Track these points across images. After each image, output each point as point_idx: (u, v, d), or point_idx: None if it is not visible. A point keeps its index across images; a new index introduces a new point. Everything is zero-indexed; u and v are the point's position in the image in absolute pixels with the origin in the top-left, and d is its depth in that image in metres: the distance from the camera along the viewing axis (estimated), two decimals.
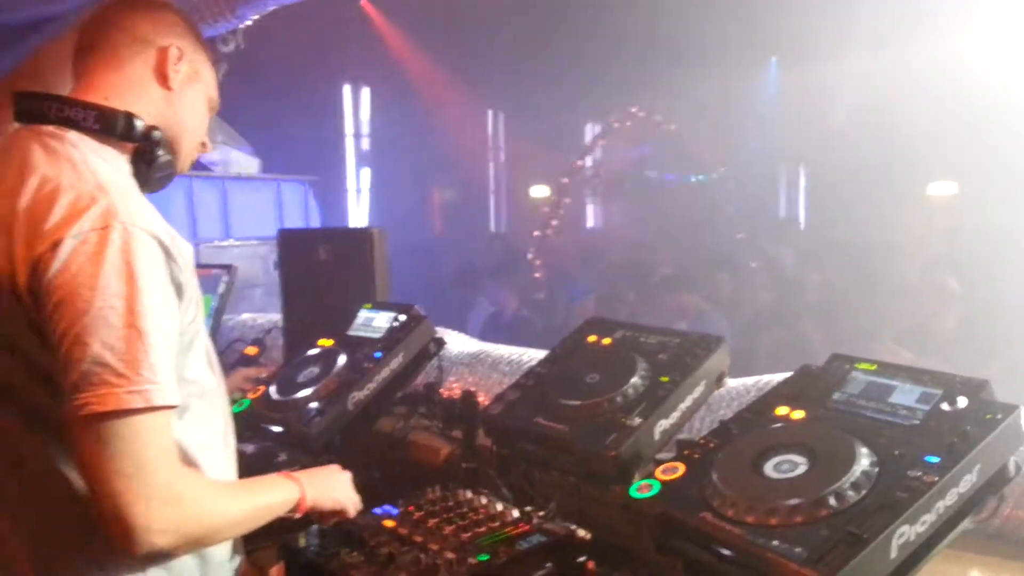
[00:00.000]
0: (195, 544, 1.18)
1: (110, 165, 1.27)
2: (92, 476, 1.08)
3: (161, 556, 1.13)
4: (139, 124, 1.30)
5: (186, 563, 1.27)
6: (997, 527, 1.45)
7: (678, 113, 8.76)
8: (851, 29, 6.51)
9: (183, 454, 1.21)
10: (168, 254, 1.18)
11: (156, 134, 1.33)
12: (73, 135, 1.26)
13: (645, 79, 8.16)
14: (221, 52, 4.40)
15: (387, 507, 1.69)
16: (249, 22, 3.04)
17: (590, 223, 9.20)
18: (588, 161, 9.02)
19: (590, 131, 9.39)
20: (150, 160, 1.33)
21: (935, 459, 1.14)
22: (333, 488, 1.47)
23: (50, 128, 1.26)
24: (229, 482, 1.34)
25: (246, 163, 5.33)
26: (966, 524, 1.18)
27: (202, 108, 1.44)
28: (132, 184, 1.30)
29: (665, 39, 7.21)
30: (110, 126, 1.28)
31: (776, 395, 1.43)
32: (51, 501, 1.19)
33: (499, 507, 1.65)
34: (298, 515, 1.35)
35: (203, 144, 1.49)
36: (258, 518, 1.27)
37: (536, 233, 8.07)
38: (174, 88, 1.36)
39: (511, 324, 4.90)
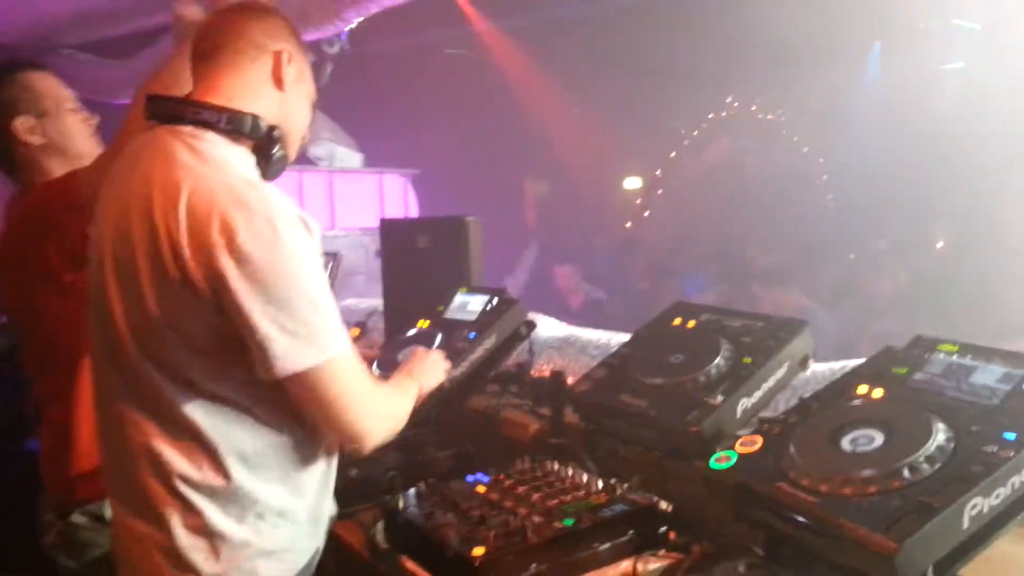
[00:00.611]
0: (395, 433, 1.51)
1: (242, 161, 1.42)
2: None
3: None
4: (263, 124, 1.44)
5: (298, 516, 1.43)
6: None
7: (777, 102, 8.59)
8: (958, 13, 6.26)
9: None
10: (311, 234, 1.35)
11: (276, 132, 1.46)
12: (210, 135, 1.40)
13: (742, 69, 8.02)
14: (327, 54, 4.63)
15: (479, 475, 1.80)
16: (353, 24, 3.20)
17: (683, 214, 9.11)
18: (683, 152, 8.95)
19: (686, 122, 9.30)
20: (268, 155, 1.46)
21: (1012, 436, 1.16)
22: (432, 372, 1.79)
23: (188, 128, 1.40)
24: (393, 387, 1.63)
25: (350, 158, 5.58)
26: None
27: (307, 104, 1.58)
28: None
29: (763, 27, 7.09)
30: (239, 126, 1.42)
31: (857, 375, 1.46)
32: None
33: (584, 478, 1.73)
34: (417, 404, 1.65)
35: (303, 136, 1.63)
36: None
37: (628, 224, 8.07)
38: (286, 89, 1.50)
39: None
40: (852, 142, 7.91)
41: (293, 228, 1.30)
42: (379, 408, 1.46)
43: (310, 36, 3.72)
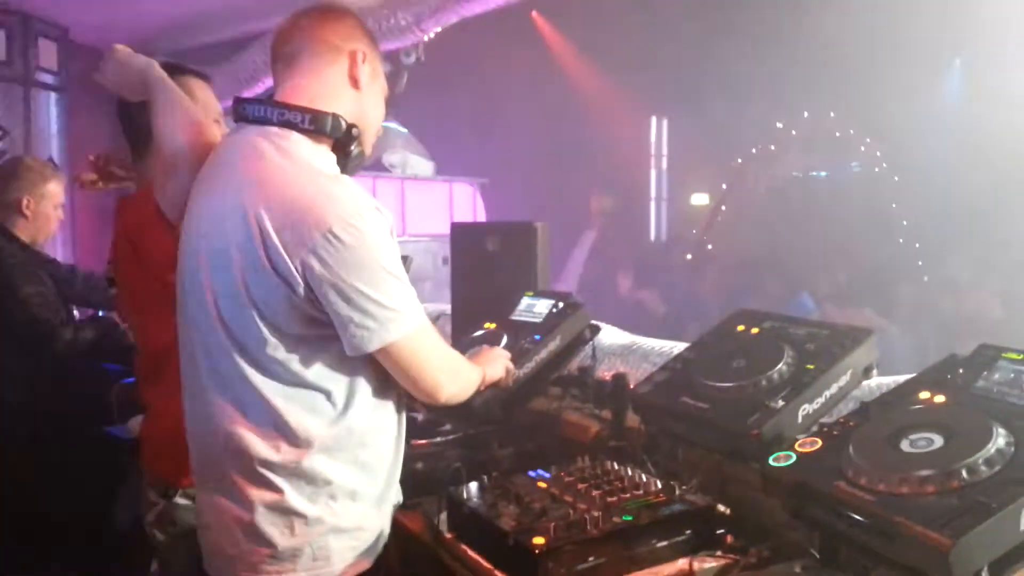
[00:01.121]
0: (463, 396, 1.66)
1: (324, 159, 1.51)
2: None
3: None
4: (342, 123, 1.52)
5: (367, 497, 1.52)
6: None
7: (852, 119, 8.45)
8: None
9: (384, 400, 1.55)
10: (388, 221, 1.45)
11: (355, 131, 1.54)
12: (295, 136, 1.49)
13: (817, 83, 7.93)
14: (403, 64, 4.77)
15: (540, 471, 1.85)
16: (432, 35, 3.30)
17: (751, 230, 9.01)
18: (752, 167, 8.87)
19: (756, 137, 9.21)
20: (348, 152, 1.55)
21: None
22: (494, 363, 1.87)
23: (275, 129, 1.50)
24: (466, 361, 1.72)
25: (422, 166, 5.73)
26: None
27: (381, 100, 1.66)
28: None
29: (840, 41, 7.01)
30: (321, 126, 1.50)
31: (920, 381, 1.47)
32: None
33: (644, 478, 1.77)
34: (481, 388, 1.77)
35: (378, 131, 1.70)
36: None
37: (693, 238, 8.04)
38: (362, 88, 1.58)
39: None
40: (928, 161, 7.73)
41: (374, 215, 1.40)
42: (451, 366, 1.59)
43: (389, 45, 3.84)
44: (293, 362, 1.44)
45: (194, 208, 1.58)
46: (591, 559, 1.52)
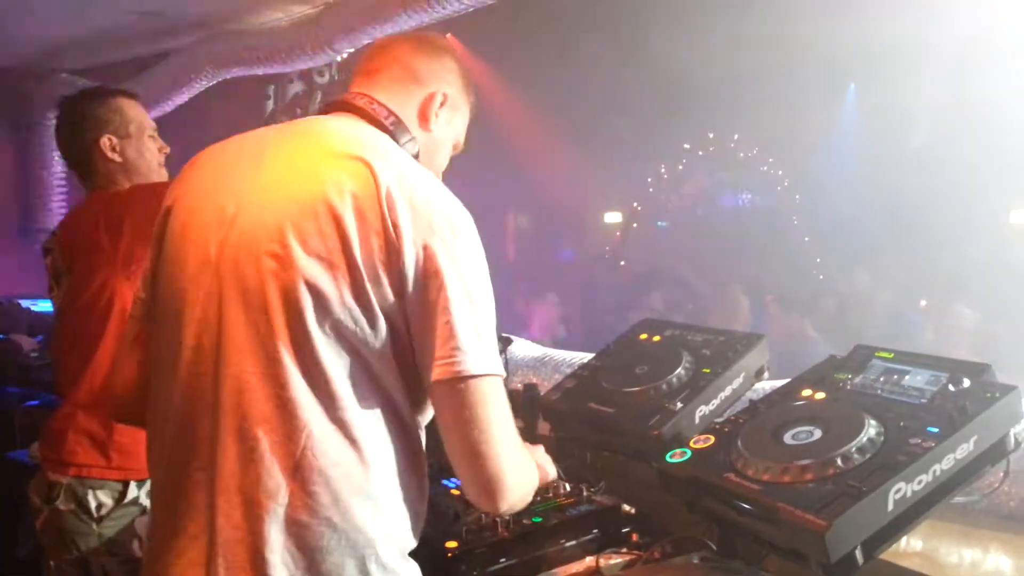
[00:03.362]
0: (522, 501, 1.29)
1: None
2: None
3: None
4: (416, 147, 1.36)
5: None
6: (1012, 509, 1.56)
7: (755, 141, 8.84)
8: (930, 55, 6.52)
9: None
10: None
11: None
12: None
13: (721, 106, 8.28)
14: (316, 83, 4.80)
15: (454, 480, 1.89)
16: (345, 55, 3.34)
17: (659, 246, 9.31)
18: (661, 187, 9.17)
19: (667, 157, 9.53)
20: None
21: (935, 429, 1.28)
22: (550, 466, 1.57)
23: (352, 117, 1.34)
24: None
25: None
26: (974, 496, 1.32)
27: (447, 150, 1.51)
28: None
29: (742, 66, 7.34)
30: (398, 133, 1.34)
31: (802, 380, 1.59)
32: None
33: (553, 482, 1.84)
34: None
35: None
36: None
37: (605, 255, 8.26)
38: (432, 130, 1.42)
39: None
40: (827, 180, 8.14)
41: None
42: (518, 452, 1.24)
43: (302, 65, 3.86)
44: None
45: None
46: (503, 560, 1.58)
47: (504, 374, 1.22)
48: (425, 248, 1.16)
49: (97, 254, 1.99)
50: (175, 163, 1.85)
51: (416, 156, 1.35)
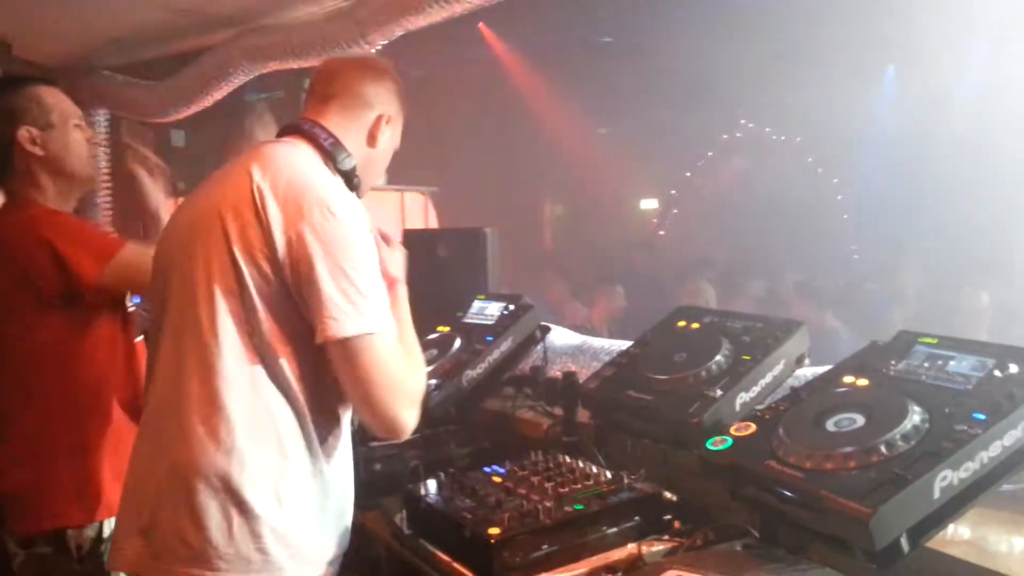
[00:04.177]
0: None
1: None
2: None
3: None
4: (352, 164, 1.63)
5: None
6: None
7: (791, 125, 8.72)
8: (971, 35, 6.38)
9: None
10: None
11: (356, 180, 1.64)
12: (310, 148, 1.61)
13: (758, 92, 8.18)
14: None
15: (495, 467, 1.92)
16: (379, 47, 3.35)
17: (699, 233, 9.24)
18: (698, 172, 9.10)
19: (701, 143, 9.44)
20: None
21: (982, 416, 1.27)
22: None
23: (294, 139, 1.63)
24: (411, 346, 1.59)
25: None
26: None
27: (388, 158, 1.77)
28: None
29: (777, 50, 7.24)
30: (337, 154, 1.61)
31: (844, 367, 1.57)
32: None
33: (594, 470, 1.84)
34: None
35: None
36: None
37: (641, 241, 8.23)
38: (377, 147, 1.69)
39: None
40: (865, 165, 8.01)
41: (363, 213, 1.50)
42: (402, 392, 1.48)
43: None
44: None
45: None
46: (544, 547, 1.59)
47: (388, 330, 1.44)
48: (297, 233, 1.41)
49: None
50: (212, 158, 1.87)
51: (354, 170, 1.62)
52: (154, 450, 1.50)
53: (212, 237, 1.47)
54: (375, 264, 1.47)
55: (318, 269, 1.39)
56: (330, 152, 1.59)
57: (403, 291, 1.72)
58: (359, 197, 1.65)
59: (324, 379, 1.48)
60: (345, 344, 1.40)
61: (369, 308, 1.42)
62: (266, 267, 1.42)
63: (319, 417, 1.49)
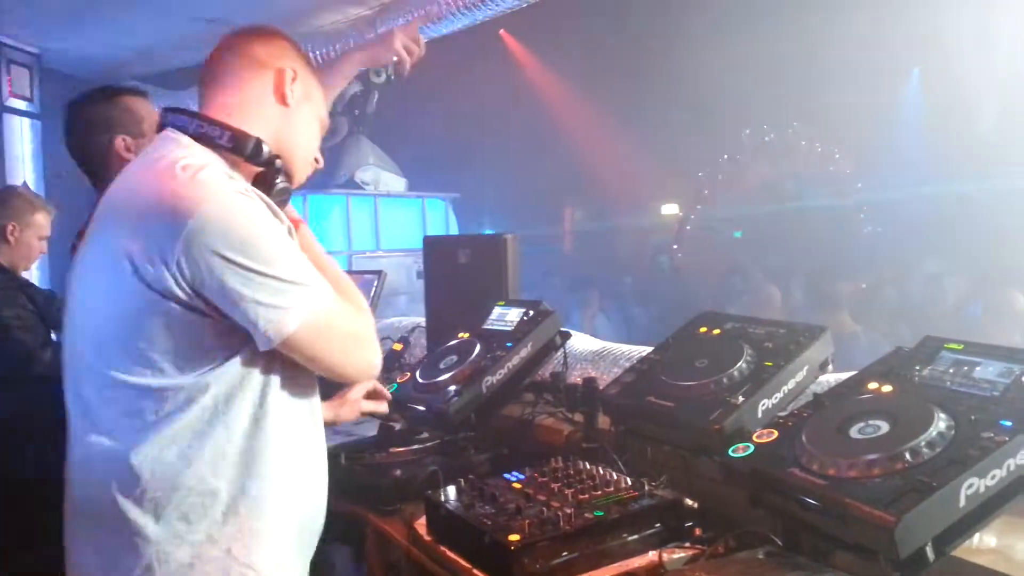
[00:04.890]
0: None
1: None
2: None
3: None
4: (265, 150, 1.43)
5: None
6: None
7: (815, 129, 8.66)
8: (996, 37, 6.31)
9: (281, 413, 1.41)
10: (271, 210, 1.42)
11: (279, 162, 1.46)
12: (200, 148, 1.41)
13: (782, 95, 8.13)
14: (373, 83, 4.84)
15: (515, 473, 1.91)
16: None
17: (719, 241, 9.20)
18: (720, 178, 9.06)
19: (724, 149, 9.40)
20: (271, 185, 1.45)
21: (1008, 423, 1.25)
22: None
23: (185, 140, 1.41)
24: (336, 280, 1.47)
25: (395, 183, 5.82)
26: None
27: (315, 127, 1.59)
28: None
29: (801, 54, 7.20)
30: (241, 147, 1.42)
31: (869, 372, 1.55)
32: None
33: (614, 476, 1.83)
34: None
35: (316, 160, 1.62)
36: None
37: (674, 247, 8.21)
38: (291, 105, 1.50)
39: None
40: (891, 167, 7.93)
41: (240, 197, 1.32)
42: (365, 339, 1.45)
43: None
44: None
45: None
46: (564, 554, 1.58)
47: (323, 298, 1.34)
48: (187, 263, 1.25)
49: None
50: None
51: (275, 157, 1.45)
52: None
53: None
54: (275, 236, 1.32)
55: (227, 281, 1.26)
56: (231, 149, 1.41)
57: (306, 230, 1.54)
58: (293, 181, 1.53)
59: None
60: (293, 339, 1.31)
61: (297, 293, 1.30)
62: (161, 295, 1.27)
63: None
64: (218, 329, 1.31)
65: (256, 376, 1.36)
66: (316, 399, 1.52)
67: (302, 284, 1.32)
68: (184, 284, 1.26)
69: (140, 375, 1.29)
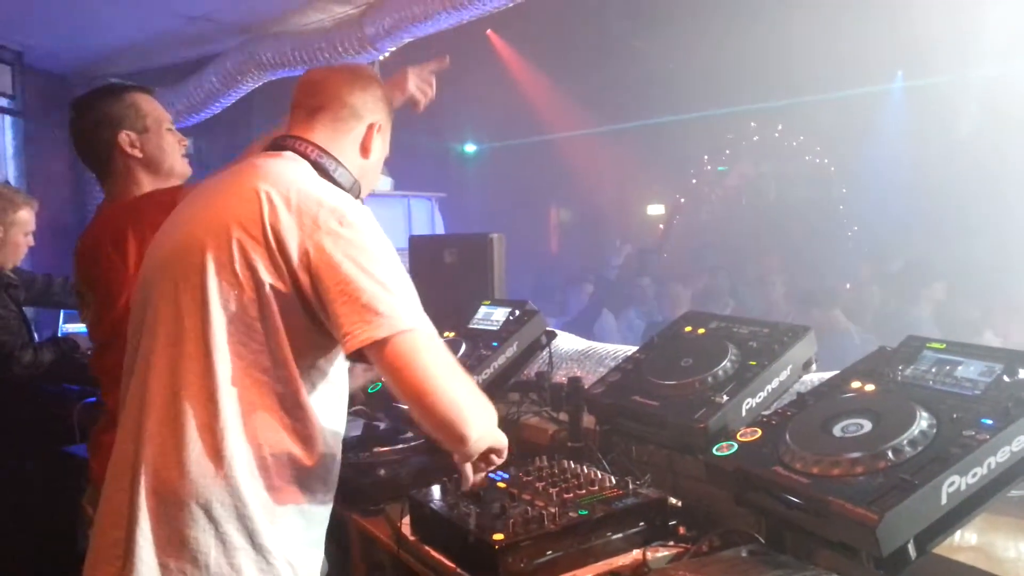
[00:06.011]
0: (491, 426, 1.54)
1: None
2: None
3: None
4: (347, 176, 1.60)
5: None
6: None
7: (799, 129, 8.72)
8: (980, 40, 6.37)
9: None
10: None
11: (355, 188, 1.62)
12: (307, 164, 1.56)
13: (766, 96, 8.17)
14: None
15: (500, 473, 1.91)
16: (387, 54, 3.37)
17: (703, 238, 9.23)
18: (705, 178, 9.10)
19: (707, 148, 9.43)
20: None
21: (990, 421, 1.26)
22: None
23: (289, 154, 1.56)
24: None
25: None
26: None
27: (380, 167, 1.74)
28: None
29: (786, 54, 7.24)
30: (327, 166, 1.57)
31: (852, 372, 1.56)
32: None
33: (599, 475, 1.83)
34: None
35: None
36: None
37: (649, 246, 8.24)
38: (369, 158, 1.66)
39: None
40: (874, 169, 7.99)
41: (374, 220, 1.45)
42: (459, 392, 1.38)
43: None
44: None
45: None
46: (549, 552, 1.58)
47: (423, 327, 1.36)
48: (316, 244, 1.36)
49: (113, 272, 1.95)
50: (219, 163, 1.87)
51: (353, 183, 1.60)
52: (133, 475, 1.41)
53: (221, 250, 1.40)
54: (401, 268, 1.42)
55: (346, 274, 1.34)
56: (324, 168, 1.55)
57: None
58: None
59: (325, 395, 1.48)
60: (387, 344, 1.32)
61: (403, 306, 1.35)
62: (275, 282, 1.37)
63: (311, 440, 1.46)
64: None
65: None
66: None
67: (410, 302, 1.42)
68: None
69: None
